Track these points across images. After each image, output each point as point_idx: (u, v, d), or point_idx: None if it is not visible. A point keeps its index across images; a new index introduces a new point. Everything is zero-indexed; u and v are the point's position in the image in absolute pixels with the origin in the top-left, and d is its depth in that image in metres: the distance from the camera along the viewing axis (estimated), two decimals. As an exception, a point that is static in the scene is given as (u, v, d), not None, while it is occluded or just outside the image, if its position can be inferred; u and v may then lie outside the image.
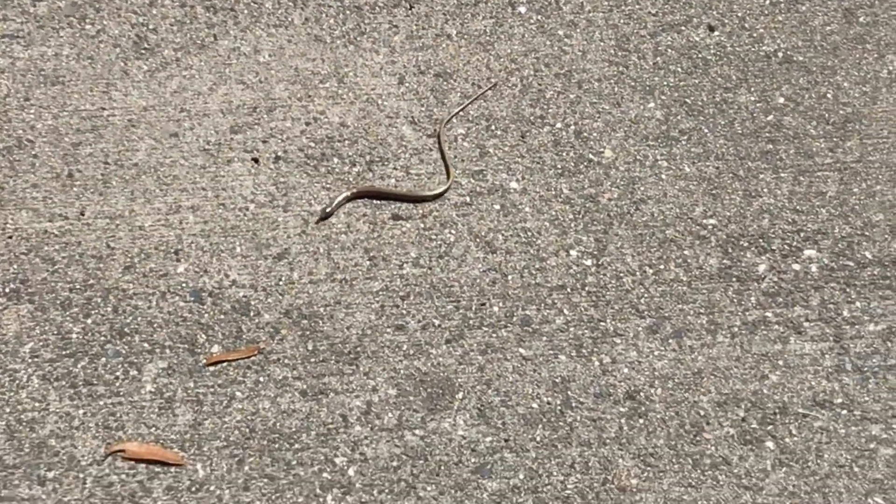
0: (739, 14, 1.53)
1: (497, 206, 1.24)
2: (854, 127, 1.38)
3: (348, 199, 1.22)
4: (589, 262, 1.19)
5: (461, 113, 1.30)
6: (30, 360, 1.07)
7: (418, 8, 1.49)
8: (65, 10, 1.42)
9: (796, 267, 1.20)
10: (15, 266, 1.14)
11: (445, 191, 1.25)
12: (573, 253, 1.20)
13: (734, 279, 1.18)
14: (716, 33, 1.51)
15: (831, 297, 1.17)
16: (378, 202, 1.24)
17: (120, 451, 1.02)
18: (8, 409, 1.04)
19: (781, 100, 1.40)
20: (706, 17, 1.52)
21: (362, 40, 1.44)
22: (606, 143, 1.32)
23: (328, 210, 1.19)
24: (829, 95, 1.42)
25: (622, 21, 1.51)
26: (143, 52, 1.38)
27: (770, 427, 1.07)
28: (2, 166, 1.23)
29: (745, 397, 1.09)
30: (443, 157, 1.28)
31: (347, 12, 1.47)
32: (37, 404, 1.04)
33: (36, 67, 1.32)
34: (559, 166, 1.29)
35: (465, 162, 1.27)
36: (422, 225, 1.22)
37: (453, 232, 1.21)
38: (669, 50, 1.48)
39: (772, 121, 1.37)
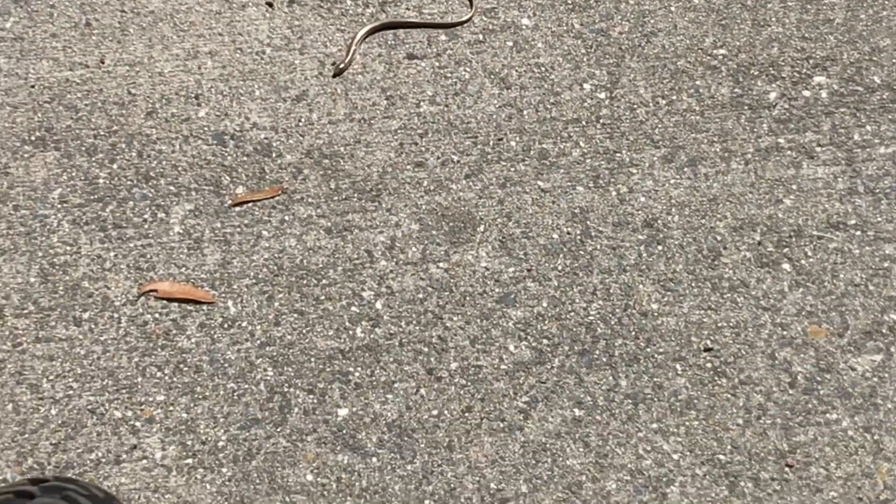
0: None
1: (510, 43, 0.98)
2: None
3: (370, 34, 0.96)
4: (602, 95, 0.94)
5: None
6: (59, 206, 0.85)
7: None
8: None
9: (806, 93, 0.95)
10: (39, 115, 0.90)
11: (469, 19, 0.98)
12: (587, 86, 0.95)
13: (746, 107, 0.93)
14: None
15: (842, 121, 0.93)
16: (392, 41, 0.97)
17: (152, 290, 0.81)
18: (41, 254, 0.82)
19: None
20: None
21: None
22: None
23: (342, 66, 0.93)
24: None
25: None
26: None
27: (786, 249, 0.85)
28: (20, 17, 0.96)
29: (761, 221, 0.86)
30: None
31: None
32: (68, 248, 0.83)
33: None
34: (570, 1, 1.02)
35: (478, 0, 1.00)
36: (437, 63, 0.97)
37: (468, 69, 0.96)
38: None
39: None
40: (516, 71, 0.96)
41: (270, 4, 0.97)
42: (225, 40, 0.96)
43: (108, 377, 0.77)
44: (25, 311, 0.80)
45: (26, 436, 0.74)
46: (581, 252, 0.84)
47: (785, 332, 0.80)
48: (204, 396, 0.77)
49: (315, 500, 0.73)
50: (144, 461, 0.74)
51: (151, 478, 0.73)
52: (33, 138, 0.89)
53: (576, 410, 0.77)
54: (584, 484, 0.74)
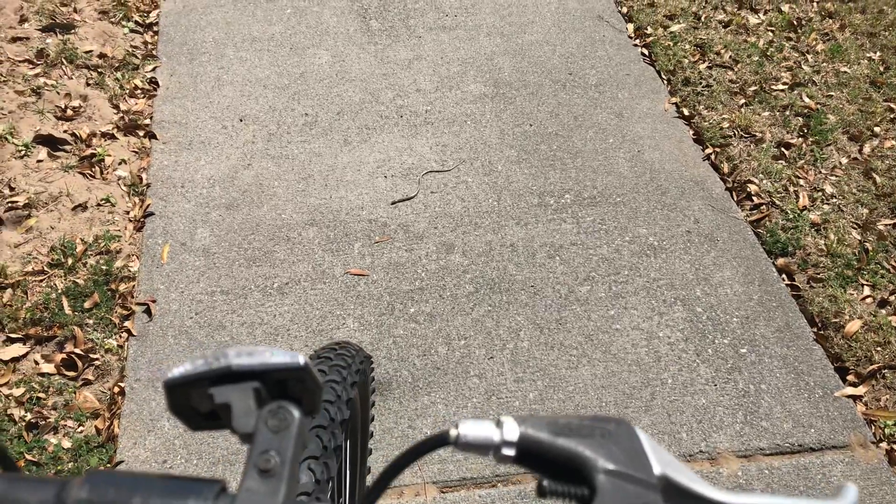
0: None
1: (463, 186, 2.68)
2: (579, 155, 2.75)
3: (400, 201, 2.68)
4: (495, 204, 2.61)
5: None
6: (316, 245, 2.57)
7: None
8: (319, 133, 2.93)
9: (562, 200, 2.59)
10: (310, 216, 2.66)
11: (415, 195, 2.68)
12: (490, 200, 2.62)
13: (542, 206, 2.58)
14: None
15: (575, 210, 2.57)
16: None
17: (348, 272, 2.50)
18: (310, 261, 2.54)
19: (556, 146, 2.78)
20: None
21: None
22: (499, 163, 2.72)
23: (396, 201, 2.64)
24: (570, 145, 2.79)
25: None
26: (346, 144, 2.87)
27: (557, 252, 2.47)
28: (305, 185, 2.74)
29: (547, 243, 2.50)
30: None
31: None
32: (320, 259, 2.54)
33: (313, 151, 2.82)
34: (483, 172, 2.71)
35: (454, 172, 2.71)
36: (442, 189, 2.67)
37: (444, 195, 2.66)
38: (523, 132, 2.87)
39: (552, 154, 2.74)
40: (464, 194, 2.63)
41: (385, 177, 2.70)
42: (370, 189, 2.66)
43: (333, 299, 2.45)
44: (308, 280, 2.51)
45: (305, 322, 2.44)
46: (517, 249, 2.50)
47: (557, 280, 2.42)
48: (364, 305, 2.44)
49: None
50: (347, 328, 2.41)
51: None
52: (308, 222, 2.63)
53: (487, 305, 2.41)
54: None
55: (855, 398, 2.08)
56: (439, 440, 0.55)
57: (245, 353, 0.50)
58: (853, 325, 2.20)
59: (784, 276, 2.38)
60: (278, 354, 0.51)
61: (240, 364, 0.50)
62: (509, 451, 0.53)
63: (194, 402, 0.51)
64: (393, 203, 2.55)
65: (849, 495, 0.54)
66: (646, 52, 3.25)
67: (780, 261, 2.41)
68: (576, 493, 0.48)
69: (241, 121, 2.87)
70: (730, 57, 3.18)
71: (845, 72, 3.12)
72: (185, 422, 0.52)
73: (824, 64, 3.15)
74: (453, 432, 0.54)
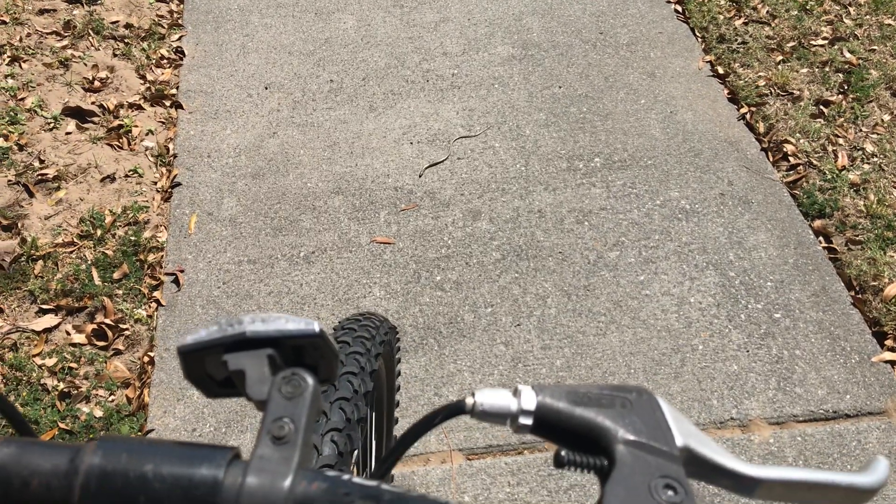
0: None
1: (491, 152, 2.65)
2: (609, 117, 2.69)
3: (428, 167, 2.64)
4: (523, 169, 2.58)
5: None
6: (343, 214, 2.56)
7: None
8: (345, 98, 2.91)
9: (592, 164, 2.55)
10: (335, 184, 2.65)
11: (477, 134, 2.64)
12: (518, 166, 2.59)
13: (572, 170, 2.54)
14: None
15: (605, 173, 2.52)
16: None
17: (374, 240, 2.50)
18: (338, 231, 2.53)
19: (585, 109, 2.72)
20: None
21: None
22: (527, 128, 2.68)
23: (421, 172, 2.60)
24: (600, 107, 2.73)
25: None
26: (371, 110, 2.86)
27: (586, 218, 2.44)
28: (333, 151, 2.73)
29: (576, 208, 2.46)
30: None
31: None
32: (347, 227, 2.53)
33: (338, 118, 2.81)
34: (510, 137, 2.68)
35: (479, 135, 2.68)
36: (469, 155, 2.64)
37: (474, 160, 2.63)
38: (551, 95, 2.81)
39: (581, 117, 2.68)
40: (493, 160, 2.60)
41: (411, 143, 2.68)
42: (396, 156, 2.64)
43: (360, 268, 2.45)
44: (335, 250, 2.51)
45: (335, 286, 2.45)
46: (518, 220, 2.47)
47: (586, 245, 2.39)
48: (391, 274, 2.43)
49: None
50: (372, 296, 2.41)
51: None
52: (335, 190, 2.62)
53: (515, 275, 2.39)
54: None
55: (893, 363, 2.03)
56: (455, 408, 0.54)
57: (259, 320, 0.50)
58: (893, 289, 2.14)
59: (821, 238, 2.33)
60: (293, 321, 0.50)
61: (254, 330, 0.50)
62: (526, 420, 0.52)
63: (209, 368, 0.51)
64: (420, 175, 2.53)
65: (879, 468, 0.52)
66: (679, 8, 3.17)
67: (817, 223, 2.35)
68: (595, 463, 0.47)
69: (266, 88, 2.87)
70: (767, 12, 3.09)
71: (889, 24, 3.00)
72: (201, 389, 0.52)
73: (867, 17, 3.04)
74: (469, 401, 0.54)
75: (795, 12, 3.06)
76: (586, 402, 0.51)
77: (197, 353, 0.50)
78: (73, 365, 2.02)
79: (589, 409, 0.51)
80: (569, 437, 0.51)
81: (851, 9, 3.09)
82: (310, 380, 0.48)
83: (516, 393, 0.53)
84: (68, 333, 2.10)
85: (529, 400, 0.52)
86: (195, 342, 0.51)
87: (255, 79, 2.89)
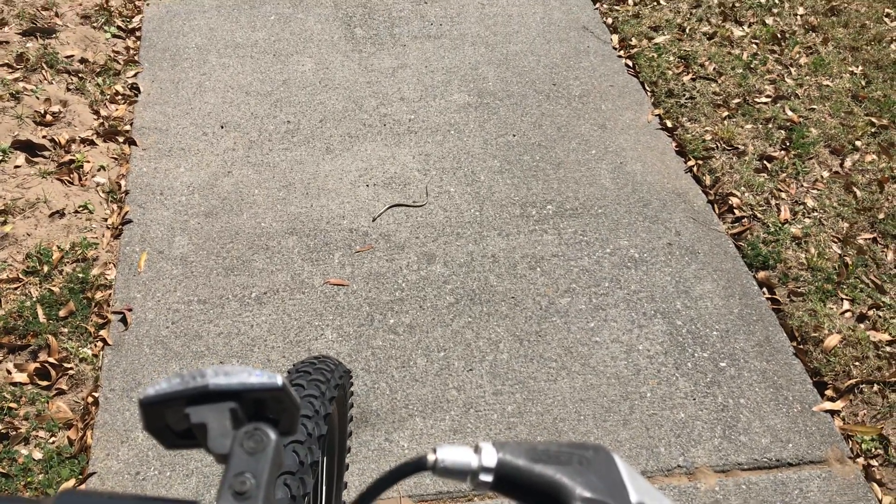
0: None
1: (446, 197, 2.68)
2: (562, 166, 2.75)
3: (386, 210, 2.66)
4: (477, 214, 2.61)
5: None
6: (296, 254, 2.55)
7: None
8: (301, 140, 2.92)
9: (544, 211, 2.59)
10: (290, 224, 2.64)
11: (425, 203, 2.67)
12: (472, 211, 2.62)
13: (525, 216, 2.58)
14: None
15: (557, 220, 2.57)
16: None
17: (328, 281, 2.48)
18: (290, 270, 2.52)
19: (538, 157, 2.78)
20: None
21: None
22: (481, 173, 2.72)
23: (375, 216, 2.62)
24: (552, 155, 2.79)
25: None
26: (328, 152, 2.87)
27: (538, 264, 2.47)
28: (284, 193, 2.72)
29: (528, 254, 2.49)
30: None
31: None
32: (300, 268, 2.52)
33: (294, 159, 2.81)
34: (466, 182, 2.71)
35: (433, 186, 2.70)
36: (423, 206, 2.67)
37: (432, 206, 2.66)
38: (503, 144, 2.87)
39: (535, 165, 2.74)
40: (447, 206, 2.63)
41: (367, 186, 2.69)
42: (352, 198, 2.64)
43: (312, 310, 2.43)
44: (287, 290, 2.49)
45: (283, 333, 2.42)
46: (472, 264, 2.49)
47: (537, 290, 2.41)
48: (344, 317, 2.42)
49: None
50: (325, 339, 2.39)
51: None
52: (288, 231, 2.61)
53: (468, 319, 2.40)
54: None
55: (833, 413, 2.08)
56: (416, 465, 0.54)
57: (222, 373, 0.50)
58: (832, 340, 2.21)
59: (765, 289, 2.39)
60: (256, 374, 0.50)
61: (217, 384, 0.50)
62: (487, 478, 0.52)
63: (170, 420, 0.51)
64: (374, 219, 2.54)
65: None
66: (630, 63, 3.26)
67: (761, 274, 2.41)
68: None
69: (222, 128, 2.85)
70: (714, 69, 3.19)
71: (828, 85, 3.13)
72: (161, 440, 0.52)
73: (807, 77, 3.16)
74: (431, 457, 0.54)
75: (740, 70, 3.17)
76: (545, 459, 0.52)
77: (158, 405, 0.50)
78: (13, 405, 1.96)
79: (548, 467, 0.51)
80: (528, 494, 0.52)
81: (793, 69, 3.22)
82: (272, 435, 0.48)
83: (477, 450, 0.53)
84: (9, 372, 2.03)
85: (490, 457, 0.52)
86: (157, 394, 0.50)
87: (211, 118, 2.88)
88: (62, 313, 2.16)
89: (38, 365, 2.03)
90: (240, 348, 2.14)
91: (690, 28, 3.39)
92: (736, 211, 2.62)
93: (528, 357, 2.15)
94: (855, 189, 2.69)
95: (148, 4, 3.39)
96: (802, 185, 2.71)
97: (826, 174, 2.76)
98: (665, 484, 1.90)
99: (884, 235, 2.52)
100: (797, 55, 3.27)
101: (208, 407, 0.49)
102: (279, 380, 0.50)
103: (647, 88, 3.12)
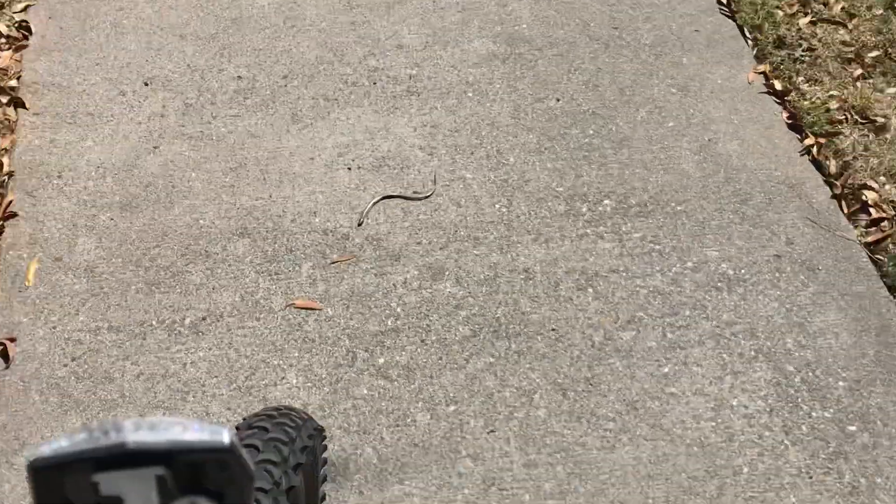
0: None
1: (461, 186, 2.69)
2: (625, 143, 2.76)
3: (376, 203, 2.67)
4: (504, 210, 2.63)
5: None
6: (249, 265, 2.56)
7: None
8: (259, 103, 2.93)
9: (600, 208, 2.61)
10: (241, 222, 2.66)
11: (431, 194, 2.68)
12: (497, 206, 2.64)
13: (572, 215, 2.60)
14: None
15: (616, 221, 2.58)
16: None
17: (292, 304, 2.47)
18: (241, 288, 2.53)
19: (591, 131, 2.80)
20: None
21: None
22: (510, 154, 2.74)
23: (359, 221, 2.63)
24: (613, 129, 2.80)
25: None
26: (296, 120, 2.89)
27: (591, 282, 2.48)
28: (232, 176, 2.74)
29: (579, 269, 2.50)
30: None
31: None
32: (253, 285, 2.52)
33: (247, 130, 2.83)
34: (488, 166, 2.73)
35: (444, 169, 2.73)
36: (427, 198, 2.68)
37: (441, 199, 2.67)
38: (538, 111, 2.88)
39: (587, 142, 2.76)
40: (463, 199, 2.64)
41: (349, 169, 2.71)
42: (327, 186, 2.66)
43: (271, 345, 2.41)
44: (234, 315, 2.51)
45: (234, 373, 2.44)
46: (494, 283, 2.49)
47: (589, 321, 2.42)
48: (315, 353, 2.42)
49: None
50: (287, 383, 2.39)
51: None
52: (238, 233, 2.62)
53: (490, 359, 2.41)
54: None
55: None
56: None
57: (146, 427, 0.50)
58: None
59: (912, 322, 2.38)
60: (194, 429, 0.50)
61: (139, 441, 0.50)
62: None
63: (71, 493, 0.50)
64: (360, 223, 2.55)
65: None
66: (724, -1, 3.27)
67: (908, 301, 2.41)
68: None
69: (146, 84, 2.87)
70: (842, 8, 3.19)
71: None
72: None
73: (975, 22, 3.16)
74: None
75: (881, 11, 3.17)
76: None
77: (55, 471, 0.50)
78: None
79: None
80: None
81: (955, 10, 3.21)
82: None
83: None
84: None
85: None
86: (54, 455, 0.50)
87: (132, 70, 2.90)
88: (-82, 343, 2.17)
89: None
90: (167, 396, 2.15)
91: (810, -50, 3.39)
92: (872, 210, 2.61)
93: (574, 414, 2.15)
94: None
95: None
96: (968, 175, 2.71)
97: None
98: None
99: None
100: (962, -10, 3.27)
101: (126, 474, 0.49)
102: (226, 436, 0.51)
103: (748, 35, 3.13)
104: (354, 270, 2.42)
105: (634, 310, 2.38)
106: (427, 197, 2.58)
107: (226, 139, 2.68)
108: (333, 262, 2.45)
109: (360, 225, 2.50)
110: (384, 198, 2.55)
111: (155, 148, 2.64)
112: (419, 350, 2.27)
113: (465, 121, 2.78)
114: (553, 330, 2.32)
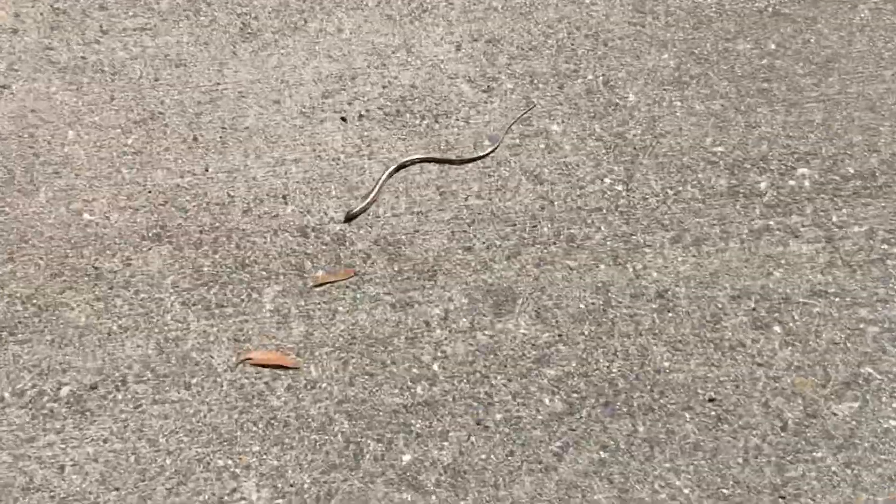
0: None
1: (542, 146, 2.48)
2: (834, 66, 2.59)
3: (397, 171, 2.48)
4: (620, 188, 2.41)
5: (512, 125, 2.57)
6: (171, 290, 2.34)
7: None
8: (182, 5, 2.73)
9: (792, 182, 2.45)
10: (155, 215, 2.43)
11: (487, 154, 2.49)
12: (607, 181, 2.42)
13: (740, 195, 2.40)
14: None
15: (822, 205, 2.38)
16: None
17: (248, 359, 2.25)
18: (157, 331, 2.30)
19: (773, 46, 2.64)
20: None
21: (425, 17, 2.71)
22: (630, 89, 2.56)
23: (354, 212, 2.42)
24: (811, 41, 2.62)
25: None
26: (247, 35, 2.69)
27: (776, 314, 2.25)
28: (139, 135, 2.52)
29: (755, 291, 2.27)
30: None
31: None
32: (179, 325, 2.29)
33: (162, 53, 2.63)
34: (591, 110, 2.55)
35: (515, 111, 2.53)
36: (481, 164, 2.47)
37: (507, 169, 2.45)
38: (678, 11, 2.69)
39: (766, 64, 2.60)
40: (547, 169, 2.44)
41: (344, 119, 2.51)
42: (307, 149, 2.47)
43: (213, 432, 2.20)
44: (144, 378, 2.28)
45: (145, 482, 2.19)
46: (604, 319, 2.27)
47: (777, 384, 2.19)
48: (291, 446, 2.19)
49: (377, 507, 2.17)
50: (243, 502, 2.17)
51: None
52: (151, 234, 2.41)
53: (601, 453, 2.16)
54: None
55: None
56: None
57: None
58: None
59: None
60: None
61: None
62: None
63: None
64: (347, 220, 2.33)
65: None
66: None
67: None
68: None
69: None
70: None
71: None
72: None
73: None
74: None
75: None
76: None
77: None
78: None
79: None
80: None
81: None
82: None
83: None
84: None
85: None
86: None
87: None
88: None
89: None
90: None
91: None
92: None
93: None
94: None
95: None
96: None
97: None
98: None
99: None
100: None
101: None
102: None
103: None
104: (356, 298, 2.20)
105: (857, 363, 2.15)
106: (481, 160, 2.35)
107: (125, 71, 2.46)
108: (318, 285, 2.23)
109: (352, 217, 2.27)
110: (404, 165, 2.32)
111: (2, 88, 2.42)
112: (473, 439, 2.05)
113: (546, 29, 2.56)
114: (712, 401, 2.10)
